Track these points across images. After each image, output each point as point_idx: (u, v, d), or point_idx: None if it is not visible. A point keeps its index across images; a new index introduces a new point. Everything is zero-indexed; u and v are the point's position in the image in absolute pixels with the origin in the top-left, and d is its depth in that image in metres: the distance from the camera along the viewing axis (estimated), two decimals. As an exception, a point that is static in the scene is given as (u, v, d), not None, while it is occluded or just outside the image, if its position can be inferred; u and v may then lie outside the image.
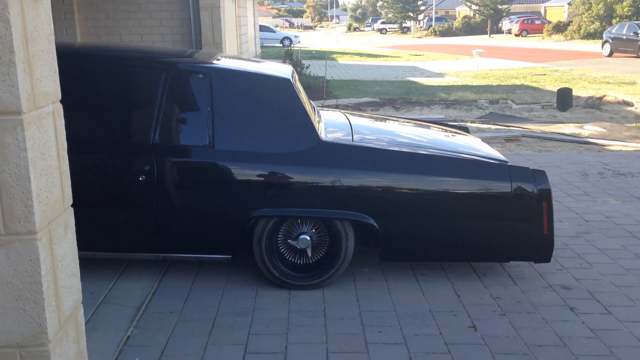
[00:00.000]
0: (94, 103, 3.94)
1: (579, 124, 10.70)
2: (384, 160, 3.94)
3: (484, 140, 9.08)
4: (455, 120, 10.91)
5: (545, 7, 56.98)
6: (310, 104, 4.64)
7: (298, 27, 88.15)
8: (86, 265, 4.10)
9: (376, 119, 5.52)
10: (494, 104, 13.28)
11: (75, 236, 2.66)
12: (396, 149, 4.04)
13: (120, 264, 4.25)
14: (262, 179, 3.88)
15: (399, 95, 14.55)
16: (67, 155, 2.59)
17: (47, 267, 2.34)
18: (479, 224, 3.94)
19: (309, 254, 4.00)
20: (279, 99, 4.01)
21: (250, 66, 4.44)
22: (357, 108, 12.43)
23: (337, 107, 12.49)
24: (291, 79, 4.10)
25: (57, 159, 2.47)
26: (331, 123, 4.62)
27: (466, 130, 5.47)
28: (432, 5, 65.46)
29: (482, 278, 4.19)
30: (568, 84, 16.10)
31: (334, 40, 48.67)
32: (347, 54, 31.84)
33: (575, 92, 13.67)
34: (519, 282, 4.13)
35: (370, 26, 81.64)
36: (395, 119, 5.59)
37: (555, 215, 5.44)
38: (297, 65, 14.64)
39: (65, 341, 2.52)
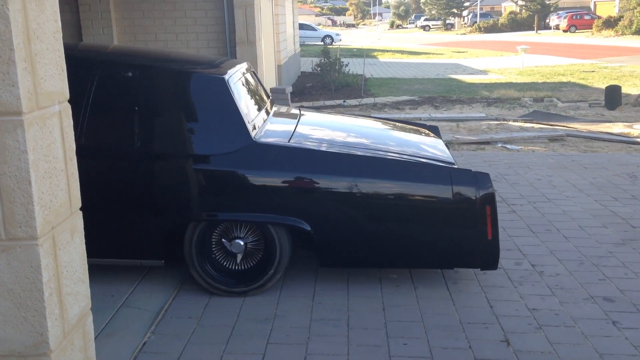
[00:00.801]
0: None
1: (628, 123, 10.22)
2: (318, 163, 3.77)
3: (526, 140, 8.82)
4: (496, 119, 10.58)
5: (595, 2, 55.34)
6: (262, 102, 4.51)
7: (340, 25, 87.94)
8: (110, 267, 4.05)
9: (337, 119, 5.26)
10: (539, 102, 12.84)
11: (83, 241, 2.57)
12: (333, 150, 3.86)
13: (141, 270, 4.17)
14: (191, 181, 3.73)
15: (439, 93, 14.24)
16: (75, 157, 2.50)
17: (49, 273, 2.25)
18: (418, 228, 3.77)
19: (238, 259, 3.86)
20: (210, 98, 3.82)
21: (185, 65, 4.26)
22: (395, 107, 12.20)
23: (374, 105, 12.30)
24: (226, 78, 3.87)
25: (63, 161, 2.38)
26: (280, 122, 4.46)
27: (435, 130, 5.29)
28: (476, 1, 64.33)
29: (517, 287, 3.96)
30: (617, 81, 15.47)
31: (375, 37, 48.30)
32: (388, 51, 31.51)
33: (624, 90, 13.11)
34: (558, 293, 3.88)
35: (413, 23, 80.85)
36: (364, 118, 5.43)
37: (599, 221, 5.16)
38: (335, 64, 14.46)
39: (70, 350, 2.43)
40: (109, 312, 3.63)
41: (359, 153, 3.89)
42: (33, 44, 2.16)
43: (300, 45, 31.56)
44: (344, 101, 12.67)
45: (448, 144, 5.56)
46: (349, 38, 48.51)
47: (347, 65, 16.26)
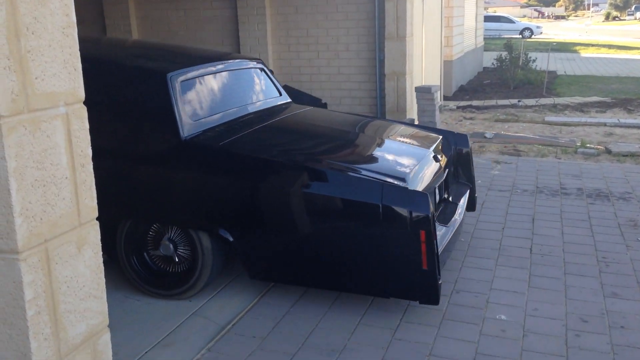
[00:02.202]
0: None
1: None
2: (244, 168, 3.52)
3: None
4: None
5: None
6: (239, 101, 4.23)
7: (548, 16, 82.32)
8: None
9: (324, 121, 4.74)
10: None
11: (99, 253, 2.37)
12: (264, 156, 3.56)
13: (227, 275, 3.97)
14: (119, 178, 3.65)
15: (638, 95, 12.39)
16: (90, 164, 2.30)
17: (36, 291, 2.06)
18: (346, 248, 3.37)
19: (150, 265, 3.73)
20: (146, 94, 3.68)
21: (128, 59, 4.14)
22: (579, 109, 10.80)
23: (553, 107, 11.02)
24: (168, 75, 3.66)
25: (69, 169, 2.19)
26: (247, 122, 4.08)
27: (462, 140, 4.64)
28: None
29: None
30: None
31: (582, 30, 44.31)
32: (593, 45, 28.57)
33: None
34: None
35: (632, 15, 72.93)
36: (363, 121, 4.78)
37: None
38: (517, 59, 13.27)
39: (70, 372, 2.24)
40: (178, 319, 3.48)
41: (287, 161, 3.55)
42: (25, 39, 1.97)
43: (496, 38, 29.92)
44: (519, 101, 11.53)
45: (468, 154, 4.72)
46: (552, 31, 45.02)
47: (534, 60, 14.90)
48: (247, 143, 3.74)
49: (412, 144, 4.31)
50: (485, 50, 19.37)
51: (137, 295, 3.78)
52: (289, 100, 4.92)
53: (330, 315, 3.52)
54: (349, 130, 4.51)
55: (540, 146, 7.77)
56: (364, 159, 3.83)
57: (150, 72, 3.77)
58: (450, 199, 4.32)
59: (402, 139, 4.39)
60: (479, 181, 6.10)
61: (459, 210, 4.22)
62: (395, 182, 3.38)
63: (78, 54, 2.22)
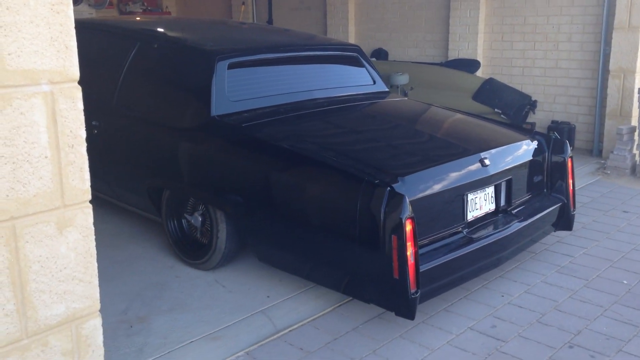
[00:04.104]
0: None
1: None
2: (253, 150, 3.58)
3: None
4: None
5: None
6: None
7: None
8: (281, 274, 3.75)
9: (388, 111, 4.47)
10: None
11: (89, 237, 2.32)
12: (271, 140, 3.54)
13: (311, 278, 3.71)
14: (164, 149, 3.94)
15: None
16: (81, 145, 2.24)
17: (-2, 266, 2.07)
18: (326, 242, 3.21)
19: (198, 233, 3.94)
20: (197, 73, 3.93)
21: (184, 38, 4.38)
22: None
23: None
24: (216, 57, 3.88)
25: (51, 148, 2.15)
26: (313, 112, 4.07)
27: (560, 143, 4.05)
28: None
29: None
30: None
31: None
32: None
33: None
34: None
35: None
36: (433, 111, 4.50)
37: None
38: None
39: (41, 352, 2.24)
40: (243, 314, 3.35)
41: (289, 148, 3.47)
42: (-4, 14, 1.96)
43: None
44: None
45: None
46: None
47: None
48: (268, 127, 3.74)
49: (459, 144, 3.80)
50: None
51: (225, 281, 3.74)
52: (385, 89, 4.78)
53: (397, 342, 3.05)
54: (407, 124, 4.26)
55: None
56: (373, 154, 3.54)
57: (206, 53, 3.98)
58: (514, 210, 3.77)
59: (454, 138, 3.95)
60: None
61: (514, 224, 3.63)
62: (380, 180, 3.01)
63: (72, 31, 2.16)
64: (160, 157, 3.99)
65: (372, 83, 4.74)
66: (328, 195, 3.21)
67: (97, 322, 2.41)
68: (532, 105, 7.40)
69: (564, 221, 4.07)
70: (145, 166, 4.11)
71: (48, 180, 2.17)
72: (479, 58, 7.87)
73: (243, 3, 10.55)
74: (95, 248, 2.35)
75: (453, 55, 8.09)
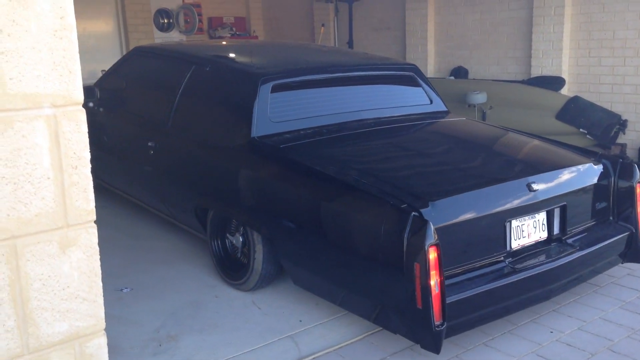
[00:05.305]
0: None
1: None
2: (289, 172, 3.54)
3: None
4: None
5: None
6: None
7: None
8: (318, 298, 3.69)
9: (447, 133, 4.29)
10: None
11: (93, 257, 2.35)
12: (306, 162, 3.48)
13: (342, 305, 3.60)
14: (209, 170, 4.03)
15: None
16: (86, 166, 2.29)
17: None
18: (353, 268, 3.08)
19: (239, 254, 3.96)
20: (241, 94, 3.97)
21: (233, 60, 4.50)
22: None
23: None
24: (260, 78, 3.92)
25: (53, 169, 2.21)
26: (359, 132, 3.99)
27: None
28: None
29: None
30: None
31: None
32: None
33: None
34: None
35: None
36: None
37: None
38: None
39: (42, 368, 2.28)
40: (271, 337, 3.32)
41: (322, 171, 3.39)
42: (-3, 42, 2.05)
43: None
44: None
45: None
46: None
47: None
48: (305, 148, 3.67)
49: (506, 167, 3.59)
50: None
51: (262, 303, 3.71)
52: (443, 109, 4.57)
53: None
54: (456, 146, 4.05)
55: None
56: (410, 176, 3.47)
57: (250, 74, 4.08)
58: (570, 239, 3.48)
59: (503, 161, 3.74)
60: None
61: (568, 254, 3.36)
62: (407, 204, 2.87)
63: (75, 56, 2.22)
64: (205, 178, 4.06)
65: (429, 102, 4.60)
66: (356, 219, 3.11)
67: (101, 341, 2.43)
68: (622, 124, 6.88)
69: (633, 252, 3.71)
70: (193, 186, 4.18)
71: (50, 201, 2.22)
72: (564, 75, 7.43)
73: (323, 25, 10.63)
74: (99, 268, 2.39)
75: (536, 72, 7.70)
